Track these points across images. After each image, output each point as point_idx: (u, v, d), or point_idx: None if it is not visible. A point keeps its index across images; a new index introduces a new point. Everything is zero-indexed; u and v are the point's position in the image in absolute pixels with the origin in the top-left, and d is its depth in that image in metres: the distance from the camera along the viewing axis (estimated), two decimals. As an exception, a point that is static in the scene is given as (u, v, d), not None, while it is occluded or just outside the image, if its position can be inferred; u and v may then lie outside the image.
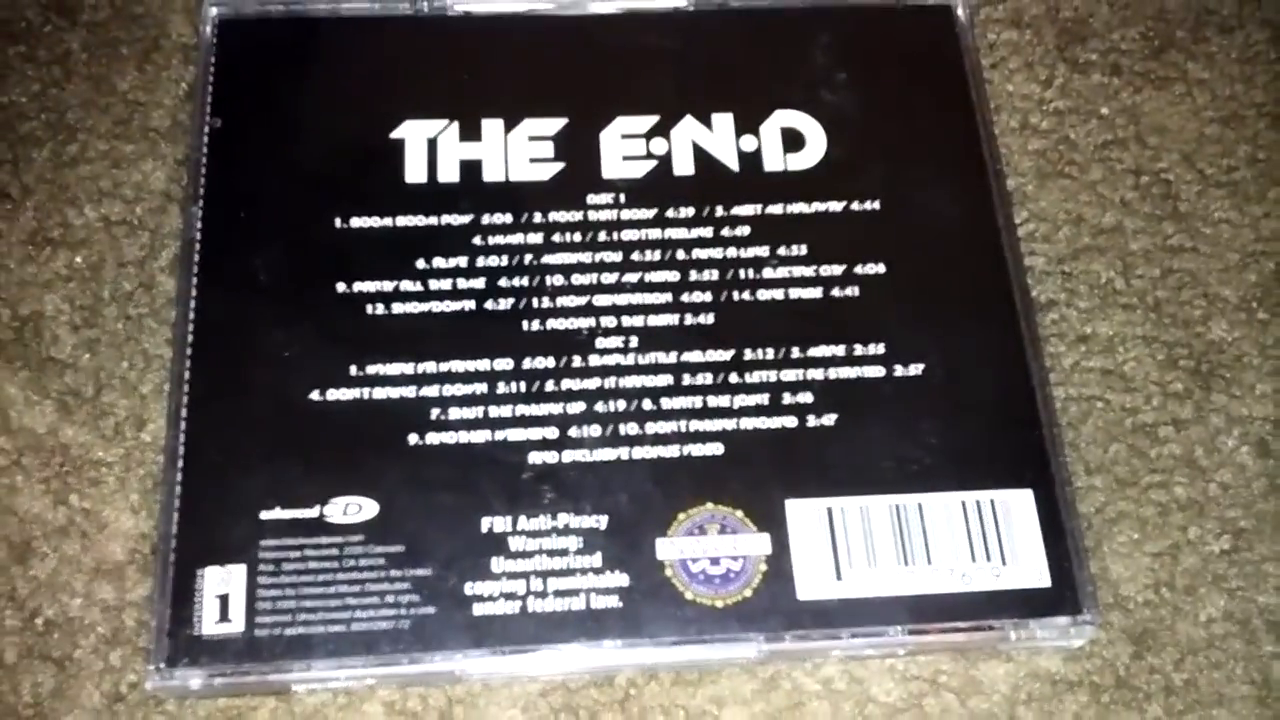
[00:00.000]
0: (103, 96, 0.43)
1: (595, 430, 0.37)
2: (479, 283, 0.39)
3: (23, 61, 0.43)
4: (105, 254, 0.41)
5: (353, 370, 0.37)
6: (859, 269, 0.40)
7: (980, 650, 0.37)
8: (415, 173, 0.40)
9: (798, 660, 0.36)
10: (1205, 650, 0.37)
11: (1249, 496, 0.39)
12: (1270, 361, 0.41)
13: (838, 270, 0.40)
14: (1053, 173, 0.43)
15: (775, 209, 0.41)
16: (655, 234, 0.40)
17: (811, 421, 0.38)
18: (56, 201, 0.41)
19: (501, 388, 0.38)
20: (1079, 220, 0.43)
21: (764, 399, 0.38)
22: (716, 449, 0.37)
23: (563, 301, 0.39)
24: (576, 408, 0.38)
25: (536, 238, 0.40)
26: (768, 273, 0.40)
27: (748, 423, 0.38)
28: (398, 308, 0.38)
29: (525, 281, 0.39)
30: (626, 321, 0.39)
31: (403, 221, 0.40)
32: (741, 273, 0.40)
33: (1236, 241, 0.43)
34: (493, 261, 0.39)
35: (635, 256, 0.40)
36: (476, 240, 0.40)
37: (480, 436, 0.37)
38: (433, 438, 0.37)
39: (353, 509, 0.36)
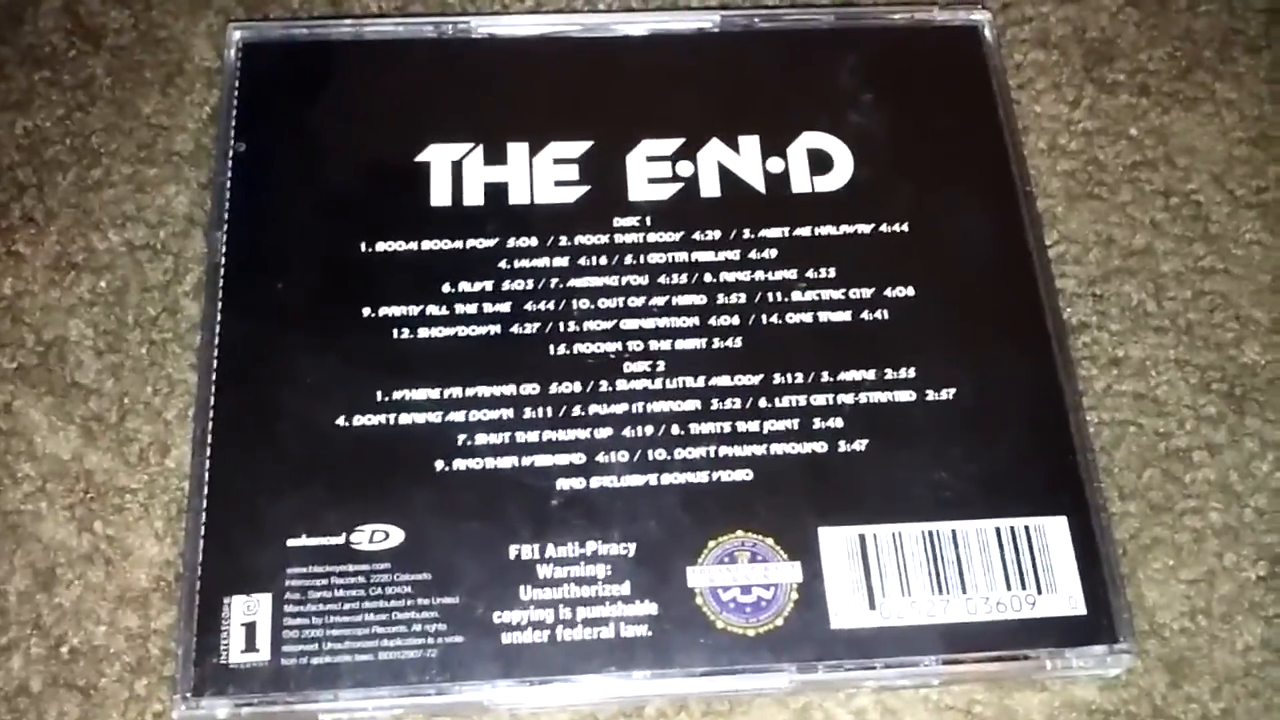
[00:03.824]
0: (126, 121, 0.43)
1: (623, 456, 0.37)
2: (505, 307, 0.39)
3: (47, 86, 0.43)
4: (129, 279, 0.40)
5: (379, 396, 0.37)
6: (888, 292, 0.39)
7: (1015, 680, 0.36)
8: (440, 196, 0.40)
9: (830, 690, 0.36)
10: (1243, 678, 0.37)
11: (1285, 522, 0.39)
12: (1305, 384, 0.40)
13: (867, 293, 0.39)
14: (1082, 194, 0.43)
15: (803, 231, 0.40)
16: (682, 257, 0.40)
17: (843, 447, 0.37)
18: (80, 226, 0.41)
19: (528, 413, 0.37)
20: (1109, 242, 0.42)
21: (794, 424, 0.37)
22: (746, 475, 0.37)
23: (589, 325, 0.39)
24: (604, 433, 0.37)
25: (562, 261, 0.40)
26: (796, 296, 0.39)
27: (778, 448, 0.37)
28: (424, 332, 0.38)
29: (551, 305, 0.39)
30: (654, 345, 0.38)
31: (428, 245, 0.39)
32: (769, 295, 0.39)
33: (1268, 263, 0.42)
34: (519, 285, 0.39)
35: (662, 280, 0.39)
36: (502, 264, 0.39)
37: (507, 462, 0.37)
38: (460, 464, 0.37)
39: (379, 536, 0.36)
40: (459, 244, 0.40)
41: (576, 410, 0.37)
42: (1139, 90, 0.45)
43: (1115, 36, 0.46)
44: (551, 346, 0.38)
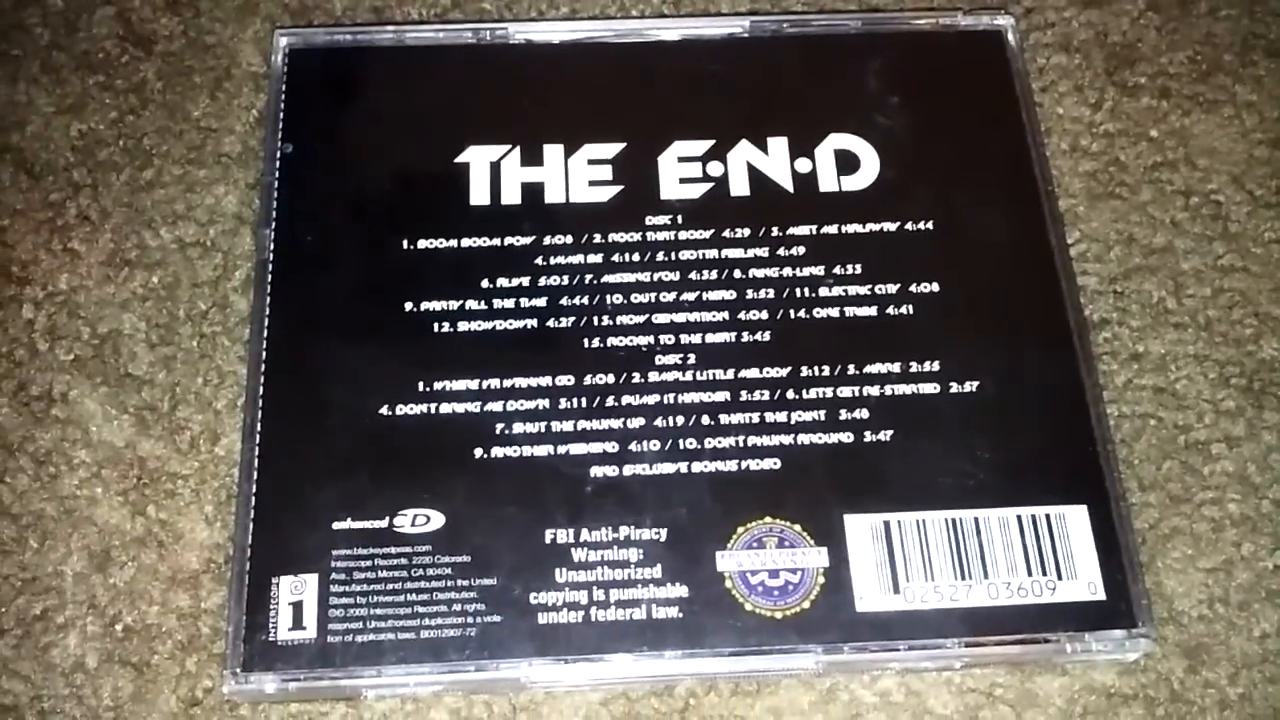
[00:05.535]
0: (177, 123, 0.44)
1: (655, 445, 0.38)
2: (541, 301, 0.40)
3: (101, 90, 0.45)
4: (180, 274, 0.42)
5: (420, 386, 0.39)
6: (913, 288, 0.40)
7: (1036, 663, 0.37)
8: (479, 196, 0.42)
9: (855, 672, 0.37)
10: (1260, 665, 0.37)
11: (1303, 513, 0.39)
12: (1323, 380, 0.41)
13: (892, 289, 0.40)
14: (1103, 194, 0.44)
15: (830, 229, 0.41)
16: (712, 254, 0.41)
17: (868, 437, 0.38)
18: (133, 224, 0.43)
19: (564, 403, 0.39)
20: (1130, 240, 0.43)
21: (820, 415, 0.39)
22: (774, 464, 0.38)
23: (622, 320, 0.40)
24: (636, 423, 0.38)
25: (596, 258, 0.41)
26: (823, 291, 0.40)
27: (805, 438, 0.38)
28: (463, 326, 0.40)
29: (586, 300, 0.40)
30: (685, 339, 0.40)
31: (467, 243, 0.41)
32: (797, 291, 0.40)
33: (1287, 261, 0.43)
34: (554, 281, 0.40)
35: (693, 276, 0.41)
36: (539, 260, 0.41)
37: (543, 450, 0.38)
38: (497, 451, 0.38)
39: (421, 520, 0.37)
40: (497, 241, 0.41)
41: (610, 401, 0.39)
42: (1160, 93, 0.46)
43: (1136, 40, 0.47)
44: (586, 339, 0.40)
